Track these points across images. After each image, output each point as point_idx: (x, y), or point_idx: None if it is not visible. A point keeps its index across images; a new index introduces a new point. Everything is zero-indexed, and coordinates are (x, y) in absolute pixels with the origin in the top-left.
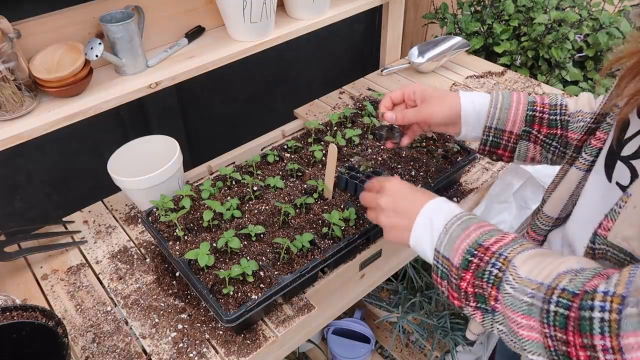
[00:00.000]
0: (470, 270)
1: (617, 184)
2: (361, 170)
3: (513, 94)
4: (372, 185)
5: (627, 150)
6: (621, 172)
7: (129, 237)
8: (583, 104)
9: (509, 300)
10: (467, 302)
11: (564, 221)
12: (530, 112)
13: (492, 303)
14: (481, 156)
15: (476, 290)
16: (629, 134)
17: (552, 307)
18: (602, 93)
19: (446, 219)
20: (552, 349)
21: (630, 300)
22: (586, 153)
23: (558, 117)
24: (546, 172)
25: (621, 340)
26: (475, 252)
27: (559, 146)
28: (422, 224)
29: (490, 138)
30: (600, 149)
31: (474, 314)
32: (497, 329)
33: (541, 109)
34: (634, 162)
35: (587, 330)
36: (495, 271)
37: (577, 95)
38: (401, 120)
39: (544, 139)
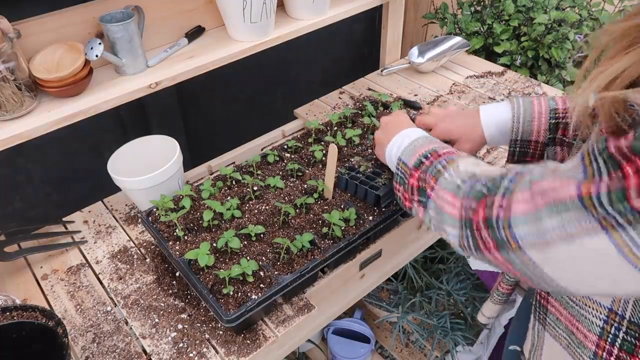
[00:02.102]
0: (420, 169)
1: None
2: (361, 170)
3: (534, 104)
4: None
5: None
6: None
7: (129, 237)
8: None
9: (444, 182)
10: (413, 197)
11: None
12: (553, 120)
13: (429, 191)
14: (481, 156)
15: (420, 183)
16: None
17: (476, 185)
18: None
19: (415, 136)
20: (462, 218)
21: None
22: None
23: None
24: None
25: (512, 197)
26: (429, 156)
27: None
28: (399, 137)
29: (518, 149)
30: None
31: (418, 209)
32: (429, 215)
33: (563, 114)
34: None
35: (493, 193)
36: (440, 167)
37: None
38: None
39: (570, 141)
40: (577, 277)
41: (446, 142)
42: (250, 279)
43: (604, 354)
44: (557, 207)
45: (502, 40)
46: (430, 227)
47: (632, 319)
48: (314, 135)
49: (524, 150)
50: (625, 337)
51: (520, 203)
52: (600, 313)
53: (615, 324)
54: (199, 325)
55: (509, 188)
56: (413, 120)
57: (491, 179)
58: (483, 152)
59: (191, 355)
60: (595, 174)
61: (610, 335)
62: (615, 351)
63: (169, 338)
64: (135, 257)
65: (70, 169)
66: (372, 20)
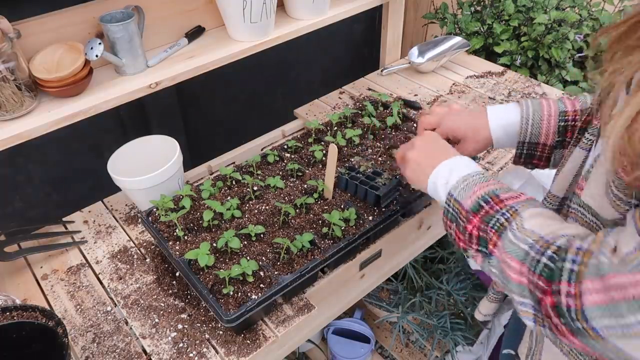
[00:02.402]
0: (479, 215)
1: (598, 156)
2: (361, 170)
3: (543, 106)
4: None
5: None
6: (600, 145)
7: (129, 237)
8: None
9: (509, 246)
10: (470, 245)
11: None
12: (563, 123)
13: (491, 247)
14: (481, 156)
15: (480, 233)
16: (615, 110)
17: (544, 260)
18: None
19: (468, 171)
20: (532, 292)
21: (596, 253)
22: (589, 133)
23: None
24: (546, 173)
25: (581, 285)
26: (489, 200)
27: None
28: (444, 167)
29: (525, 151)
30: None
31: (475, 255)
32: (490, 270)
33: (573, 117)
34: None
35: (557, 277)
36: (502, 220)
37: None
38: None
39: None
40: None
41: (448, 140)
42: (250, 279)
43: None
44: (638, 302)
45: (502, 40)
46: (492, 277)
47: None
48: (314, 135)
49: (530, 153)
50: None
51: (593, 294)
52: None
53: None
54: (199, 325)
55: (574, 271)
56: (413, 120)
57: (561, 247)
58: (483, 152)
59: (191, 355)
60: None
61: None
62: None
63: (169, 338)
64: (135, 257)
65: (70, 169)
66: (372, 20)
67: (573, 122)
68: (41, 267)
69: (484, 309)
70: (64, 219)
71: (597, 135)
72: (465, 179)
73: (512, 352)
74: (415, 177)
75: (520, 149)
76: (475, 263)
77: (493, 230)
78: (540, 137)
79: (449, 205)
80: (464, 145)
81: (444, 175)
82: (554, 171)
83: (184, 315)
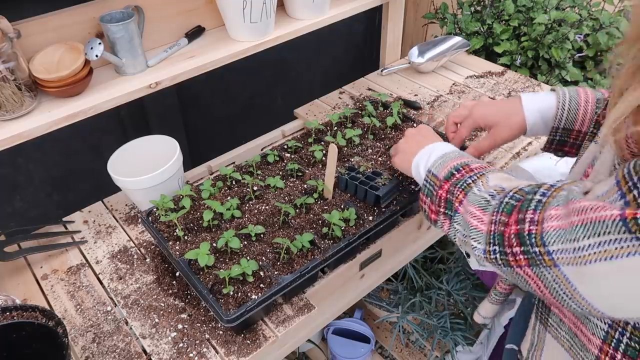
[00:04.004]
0: (450, 181)
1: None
2: (361, 170)
3: (580, 92)
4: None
5: None
6: None
7: (129, 237)
8: None
9: (472, 197)
10: (439, 209)
11: None
12: (600, 110)
13: (457, 205)
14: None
15: (448, 195)
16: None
17: (505, 199)
18: None
19: (446, 150)
20: (491, 232)
21: (568, 187)
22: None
23: None
24: (546, 173)
25: (545, 212)
26: (461, 169)
27: None
28: (425, 151)
29: (558, 137)
30: None
31: (443, 222)
32: (454, 228)
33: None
34: None
35: (525, 207)
36: (470, 181)
37: None
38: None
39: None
40: (612, 298)
41: (480, 129)
42: (250, 279)
43: (607, 358)
44: (595, 226)
45: (502, 40)
46: (455, 241)
47: (637, 325)
48: (314, 135)
49: (564, 139)
50: (629, 342)
51: (554, 219)
52: (606, 317)
53: (620, 329)
54: (199, 325)
55: (541, 202)
56: (413, 120)
57: (522, 192)
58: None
59: (191, 355)
60: (639, 200)
61: (614, 340)
62: (619, 356)
63: (169, 338)
64: (135, 257)
65: (70, 169)
66: (372, 20)
67: None
68: (41, 267)
69: (485, 311)
70: (64, 219)
71: None
72: (442, 157)
73: (515, 347)
74: (400, 162)
75: (554, 135)
76: (455, 239)
77: (460, 189)
78: (575, 122)
79: (427, 181)
80: (497, 132)
81: (424, 157)
82: (554, 171)
83: (184, 315)
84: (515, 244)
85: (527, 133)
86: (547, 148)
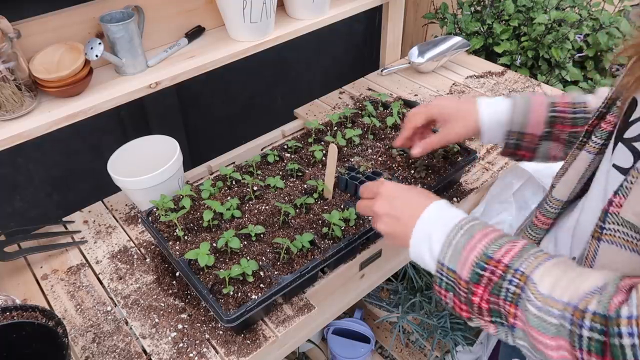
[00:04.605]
0: (482, 285)
1: (614, 165)
2: (361, 170)
3: (532, 96)
4: (365, 191)
5: (630, 133)
6: (621, 154)
7: (129, 237)
8: (602, 98)
9: (534, 321)
10: (481, 316)
11: (572, 205)
12: (552, 114)
13: (512, 320)
14: (481, 156)
15: (491, 306)
16: (634, 116)
17: (586, 333)
18: None
19: (446, 231)
20: None
21: None
22: (596, 136)
23: (579, 116)
24: (546, 172)
25: None
26: (486, 266)
27: None
28: (420, 237)
29: (512, 141)
30: (611, 132)
31: (486, 326)
32: (517, 343)
33: (563, 108)
34: (636, 144)
35: (619, 356)
36: (513, 288)
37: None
38: (428, 150)
39: (566, 137)
40: None
41: (434, 122)
42: (250, 279)
43: None
44: None
45: (502, 40)
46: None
47: None
48: (314, 135)
49: (518, 143)
50: None
51: None
52: None
53: None
54: (199, 325)
55: (635, 345)
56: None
57: (602, 319)
58: (483, 152)
59: (191, 355)
60: None
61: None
62: None
63: (169, 338)
64: (135, 257)
65: (70, 169)
66: (372, 20)
67: (563, 114)
68: (41, 267)
69: None
70: (64, 219)
71: (604, 139)
72: (449, 242)
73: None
74: (396, 241)
75: (507, 139)
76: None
77: (507, 302)
78: (528, 126)
79: (441, 274)
80: (452, 126)
81: (424, 238)
82: (554, 171)
83: (184, 315)
84: None
85: (482, 136)
86: (502, 152)
